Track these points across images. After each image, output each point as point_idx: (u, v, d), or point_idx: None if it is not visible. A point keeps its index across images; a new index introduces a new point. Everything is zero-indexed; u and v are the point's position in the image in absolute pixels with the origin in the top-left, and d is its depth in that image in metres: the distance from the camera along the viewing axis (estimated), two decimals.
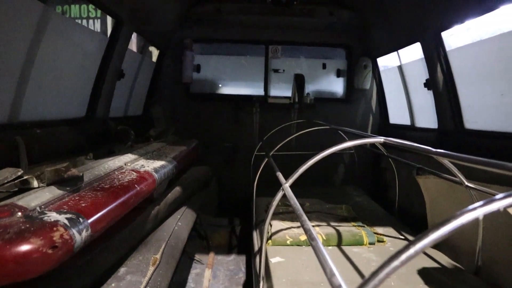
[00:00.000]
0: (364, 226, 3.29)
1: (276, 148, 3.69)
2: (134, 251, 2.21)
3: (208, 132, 5.47)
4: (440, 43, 3.76)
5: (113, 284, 1.86)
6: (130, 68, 4.37)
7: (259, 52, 5.71)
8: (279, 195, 2.12)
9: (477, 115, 3.57)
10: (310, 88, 5.72)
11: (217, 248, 4.26)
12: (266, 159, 3.20)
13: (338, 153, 5.34)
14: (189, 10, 5.10)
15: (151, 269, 2.02)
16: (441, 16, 3.58)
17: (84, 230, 1.51)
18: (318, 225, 3.27)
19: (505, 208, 0.76)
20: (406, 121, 4.98)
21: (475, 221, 2.37)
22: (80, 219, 1.51)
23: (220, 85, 5.86)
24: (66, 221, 1.45)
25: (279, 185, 2.09)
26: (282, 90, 5.75)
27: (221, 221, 4.92)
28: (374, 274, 0.72)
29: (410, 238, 3.16)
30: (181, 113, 5.55)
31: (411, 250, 0.73)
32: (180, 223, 2.81)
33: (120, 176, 2.14)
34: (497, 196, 0.76)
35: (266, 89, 5.72)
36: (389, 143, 2.09)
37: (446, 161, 2.29)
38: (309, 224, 1.38)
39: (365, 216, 3.69)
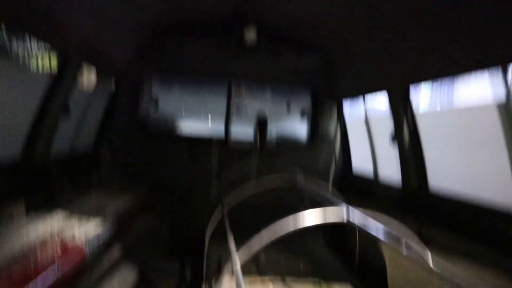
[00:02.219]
0: (320, 285, 3.12)
1: (232, 205, 3.49)
2: None
3: (163, 174, 5.14)
4: (407, 96, 3.65)
5: None
6: (78, 103, 4.03)
7: (221, 90, 5.47)
8: (226, 268, 1.95)
9: (442, 178, 3.46)
10: (273, 129, 5.51)
11: None
12: (212, 221, 2.98)
13: (298, 198, 5.12)
14: (147, 43, 4.86)
15: None
16: (410, 69, 3.46)
17: None
18: (272, 281, 3.08)
19: None
20: (370, 170, 4.83)
21: None
22: None
23: (179, 123, 5.55)
24: None
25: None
26: (244, 128, 5.50)
27: (171, 265, 4.60)
28: None
29: None
30: (134, 152, 5.20)
31: None
32: None
33: (40, 255, 1.82)
34: None
35: (227, 130, 5.44)
36: (355, 226, 1.93)
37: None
38: None
39: (323, 270, 3.55)
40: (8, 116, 2.99)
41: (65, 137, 3.92)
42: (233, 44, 4.63)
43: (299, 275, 3.28)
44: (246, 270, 3.25)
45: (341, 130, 5.49)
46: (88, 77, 4.56)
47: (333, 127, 5.46)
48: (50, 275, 1.74)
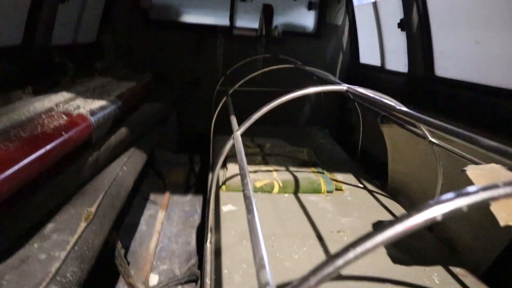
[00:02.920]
0: (323, 173, 3.17)
1: (237, 85, 3.45)
2: (66, 204, 1.99)
3: (168, 64, 5.10)
4: None
5: (35, 245, 1.66)
6: None
7: None
8: (229, 144, 1.94)
9: (449, 62, 3.39)
10: (279, 20, 5.35)
11: (173, 188, 4.11)
12: (223, 101, 2.98)
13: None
14: None
15: (83, 225, 1.82)
16: None
17: None
18: (276, 170, 3.13)
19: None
20: (377, 62, 4.76)
21: (435, 173, 2.20)
22: None
23: (182, 12, 5.38)
24: None
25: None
26: (249, 21, 5.35)
27: (180, 158, 4.74)
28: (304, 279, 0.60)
29: (369, 187, 3.09)
30: (137, 41, 5.12)
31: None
32: (126, 167, 2.58)
33: (45, 121, 1.86)
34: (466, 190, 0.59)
35: (231, 19, 5.30)
36: (354, 93, 1.91)
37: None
38: (251, 190, 1.20)
39: (326, 160, 3.59)
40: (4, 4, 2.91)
41: (67, 25, 3.85)
42: None
43: (304, 165, 3.32)
44: (251, 160, 3.34)
45: (349, 20, 5.31)
46: None
47: (341, 17, 5.27)
48: (56, 140, 1.78)
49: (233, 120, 2.24)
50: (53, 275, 1.48)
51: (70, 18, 3.92)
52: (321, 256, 2.06)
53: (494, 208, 0.90)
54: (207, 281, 1.97)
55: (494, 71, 2.89)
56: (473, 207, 0.58)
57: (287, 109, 5.10)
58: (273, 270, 0.65)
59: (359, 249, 0.59)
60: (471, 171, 1.15)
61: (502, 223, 0.89)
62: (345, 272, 1.92)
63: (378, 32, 4.66)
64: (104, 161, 2.42)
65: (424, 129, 2.27)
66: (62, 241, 1.69)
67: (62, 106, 2.19)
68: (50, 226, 1.80)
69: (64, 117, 1.98)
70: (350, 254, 0.59)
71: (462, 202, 0.57)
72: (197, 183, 4.33)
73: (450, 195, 0.58)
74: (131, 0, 4.93)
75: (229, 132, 1.95)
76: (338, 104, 5.50)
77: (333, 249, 2.14)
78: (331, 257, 0.60)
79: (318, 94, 5.24)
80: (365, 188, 3.09)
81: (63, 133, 1.82)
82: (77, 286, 1.56)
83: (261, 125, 2.57)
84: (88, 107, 2.25)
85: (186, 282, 2.65)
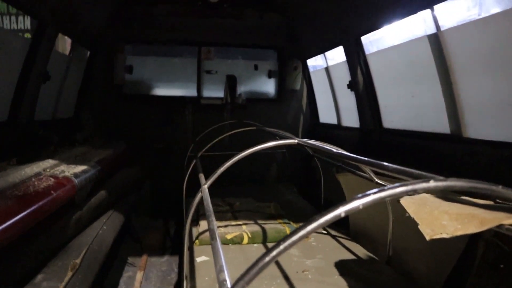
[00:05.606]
0: (289, 223, 3.42)
1: (205, 148, 3.73)
2: (54, 258, 2.19)
3: (141, 134, 5.42)
4: (360, 47, 3.99)
5: None
6: (57, 69, 4.25)
7: (191, 53, 5.74)
8: (198, 197, 2.17)
9: (393, 114, 3.84)
10: (242, 89, 5.81)
11: (150, 250, 4.26)
12: (193, 162, 3.24)
13: (270, 152, 5.49)
14: (118, 11, 5.04)
15: (69, 274, 2.03)
16: (360, 22, 3.81)
17: None
18: (245, 223, 3.36)
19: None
20: (334, 120, 5.22)
21: (386, 214, 2.52)
22: None
23: (153, 86, 5.82)
24: None
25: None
26: (215, 91, 5.80)
27: (155, 222, 4.91)
28: (255, 264, 0.80)
29: (333, 232, 3.33)
30: (113, 115, 5.46)
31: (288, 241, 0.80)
32: (106, 226, 2.81)
33: (36, 183, 2.12)
34: (386, 187, 0.86)
35: (199, 90, 5.75)
36: (303, 144, 2.22)
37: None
38: (215, 224, 1.47)
39: (293, 213, 3.82)
40: None
41: (47, 102, 4.16)
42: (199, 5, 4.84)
43: (271, 218, 3.54)
44: (221, 217, 3.55)
45: (307, 84, 5.83)
46: (64, 45, 4.75)
47: (299, 82, 5.78)
48: (46, 198, 2.04)
49: (201, 177, 2.48)
50: None
51: (51, 95, 4.25)
52: None
53: (421, 227, 1.16)
54: None
55: (427, 118, 3.34)
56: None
57: (254, 169, 5.43)
58: None
59: (288, 242, 0.79)
60: (404, 200, 1.43)
61: (427, 237, 1.09)
62: None
63: (332, 94, 5.16)
64: (87, 220, 2.64)
65: (369, 172, 2.60)
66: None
67: (49, 170, 2.45)
68: (40, 276, 2.00)
69: (52, 179, 2.24)
70: (281, 247, 0.78)
71: (357, 203, 0.85)
72: (173, 245, 4.49)
73: (350, 200, 0.84)
74: (106, 77, 5.31)
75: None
76: (301, 162, 5.85)
77: (298, 285, 2.35)
78: (268, 250, 0.79)
79: (283, 154, 5.59)
80: (328, 234, 3.33)
81: (52, 192, 2.08)
82: None
83: (232, 186, 2.82)
84: (72, 171, 2.52)
85: None
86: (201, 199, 2.07)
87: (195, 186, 3.78)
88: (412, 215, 1.30)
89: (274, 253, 0.79)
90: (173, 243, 4.55)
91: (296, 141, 2.31)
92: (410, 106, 3.58)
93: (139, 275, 3.68)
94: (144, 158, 4.86)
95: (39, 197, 1.96)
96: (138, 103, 5.57)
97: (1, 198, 1.81)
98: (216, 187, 2.16)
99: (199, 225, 3.28)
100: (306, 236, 0.81)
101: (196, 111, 5.64)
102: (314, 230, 0.81)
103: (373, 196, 0.84)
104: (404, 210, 2.43)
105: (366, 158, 1.57)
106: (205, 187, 2.13)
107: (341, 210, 0.82)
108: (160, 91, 5.83)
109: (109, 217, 2.98)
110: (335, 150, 1.90)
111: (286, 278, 2.47)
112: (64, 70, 4.55)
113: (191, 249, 2.95)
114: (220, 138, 3.92)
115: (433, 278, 2.46)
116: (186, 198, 3.99)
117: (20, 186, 2.04)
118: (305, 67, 5.77)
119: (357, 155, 1.72)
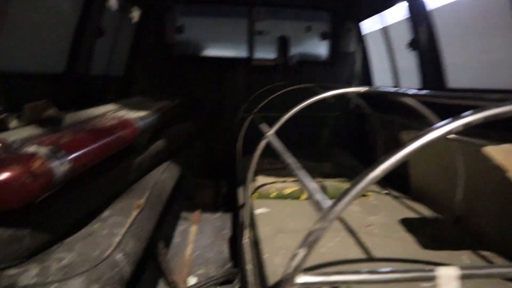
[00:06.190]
0: (348, 182, 3.33)
1: (260, 106, 3.67)
2: (118, 198, 2.21)
3: (191, 95, 5.40)
4: (422, 2, 3.74)
5: (96, 225, 1.86)
6: (110, 26, 4.26)
7: (242, 14, 5.61)
8: (263, 143, 2.13)
9: (459, 73, 3.60)
10: (294, 51, 5.67)
11: (202, 207, 4.27)
12: (251, 117, 3.18)
13: (323, 116, 5.36)
14: None
15: (135, 212, 2.03)
16: None
17: (65, 164, 1.50)
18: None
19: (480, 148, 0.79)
20: (389, 84, 4.99)
21: (455, 170, 2.35)
22: (60, 153, 1.50)
23: (203, 47, 5.76)
24: (46, 153, 1.43)
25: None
26: (266, 53, 5.68)
27: (207, 181, 4.93)
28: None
29: (394, 193, 3.21)
30: (163, 75, 5.46)
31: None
32: (164, 175, 2.81)
33: (102, 122, 2.12)
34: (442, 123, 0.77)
35: (250, 51, 5.64)
36: (372, 92, 2.11)
37: (426, 111, 2.32)
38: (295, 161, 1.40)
39: (349, 173, 3.73)
40: (54, 34, 3.26)
41: (101, 59, 4.19)
42: None
43: (328, 177, 3.45)
44: (277, 173, 3.50)
45: (361, 47, 5.59)
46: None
47: (352, 45, 5.56)
48: (112, 134, 2.02)
49: (264, 126, 2.41)
50: (116, 245, 1.68)
51: (104, 52, 4.28)
52: (352, 244, 2.18)
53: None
54: (250, 266, 2.11)
55: (501, 75, 3.10)
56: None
57: (306, 132, 5.31)
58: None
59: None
60: (490, 149, 1.33)
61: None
62: (378, 254, 2.06)
63: (389, 55, 4.92)
64: (147, 166, 2.65)
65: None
66: (120, 223, 1.89)
67: (111, 114, 2.45)
68: (107, 212, 2.01)
69: (115, 120, 2.23)
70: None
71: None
72: (224, 203, 4.49)
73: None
74: (157, 37, 5.30)
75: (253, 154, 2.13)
76: (356, 125, 5.67)
77: (364, 239, 2.26)
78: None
79: (337, 117, 5.44)
80: (389, 194, 3.21)
81: (116, 131, 2.07)
82: (135, 259, 1.74)
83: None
84: (133, 115, 2.50)
85: (223, 283, 2.77)
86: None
87: (247, 146, 3.75)
88: (499, 163, 1.24)
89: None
90: (224, 201, 4.55)
91: (366, 88, 2.19)
92: (480, 62, 3.34)
93: (193, 228, 3.69)
94: (195, 118, 4.85)
95: (105, 134, 1.96)
96: (188, 64, 5.53)
97: (72, 130, 1.80)
98: (268, 148, 2.11)
99: (256, 180, 3.24)
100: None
101: (247, 73, 5.55)
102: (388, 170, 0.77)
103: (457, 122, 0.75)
104: (477, 164, 2.26)
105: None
106: (270, 133, 2.07)
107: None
108: (211, 52, 5.77)
109: (166, 167, 2.98)
110: (410, 93, 1.77)
111: (351, 231, 2.39)
112: (116, 28, 4.56)
113: (250, 202, 2.92)
114: (274, 95, 3.83)
115: (506, 240, 2.30)
116: (239, 157, 3.96)
117: (87, 123, 2.03)
118: (360, 29, 5.53)
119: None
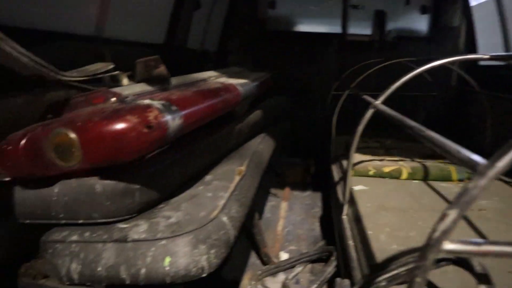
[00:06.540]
0: (452, 164, 3.06)
1: (356, 82, 3.50)
2: (219, 163, 2.19)
3: (283, 69, 5.29)
4: None
5: (200, 187, 1.84)
6: (206, 1, 4.28)
7: None
8: (369, 112, 2.00)
9: None
10: (391, 25, 5.34)
11: (292, 185, 4.21)
12: (346, 92, 3.03)
13: (419, 96, 5.02)
14: None
15: (237, 178, 1.97)
16: None
17: (177, 118, 1.46)
18: (401, 160, 3.09)
19: None
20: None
21: None
22: (173, 107, 1.47)
23: (295, 22, 5.62)
24: (160, 106, 1.41)
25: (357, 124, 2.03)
26: (361, 28, 5.41)
27: (295, 160, 4.85)
28: None
29: (506, 179, 2.90)
30: (255, 49, 5.41)
31: None
32: (261, 146, 2.75)
33: (206, 84, 2.09)
34: None
35: (344, 26, 5.40)
36: (497, 57, 1.88)
37: None
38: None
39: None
40: (155, 6, 3.33)
41: (197, 32, 4.23)
42: None
43: (429, 157, 3.23)
44: (374, 152, 3.32)
45: (466, 21, 5.12)
46: None
47: (456, 19, 5.11)
48: (219, 96, 1.98)
49: (368, 97, 2.27)
50: (221, 207, 1.62)
51: (200, 25, 4.32)
52: (464, 227, 1.98)
53: None
54: (350, 243, 2.00)
55: None
56: None
57: (402, 113, 5.00)
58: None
59: None
60: None
61: None
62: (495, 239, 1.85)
63: (501, 30, 4.44)
64: (246, 134, 2.60)
65: None
66: (223, 186, 1.84)
67: (214, 79, 2.42)
68: (209, 177, 1.98)
69: (219, 84, 2.19)
70: None
71: None
72: (313, 183, 4.38)
73: None
74: (250, 12, 5.25)
75: (346, 133, 2.03)
76: (454, 106, 5.25)
77: (478, 224, 2.04)
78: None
79: (433, 98, 5.07)
80: (500, 179, 2.91)
81: (222, 93, 2.02)
82: (239, 223, 1.69)
83: (375, 130, 2.61)
84: (234, 81, 2.45)
85: (316, 260, 2.68)
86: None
87: (341, 124, 3.60)
88: None
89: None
90: (313, 180, 4.44)
91: (487, 56, 1.95)
92: None
93: (283, 205, 3.64)
94: (287, 92, 4.75)
95: (212, 95, 1.91)
96: (280, 39, 5.43)
97: (181, 89, 1.78)
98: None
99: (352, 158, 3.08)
100: None
101: (339, 49, 5.32)
102: None
103: None
104: None
105: None
106: (378, 102, 1.94)
107: None
108: (303, 27, 5.61)
109: (262, 139, 2.92)
110: None
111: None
112: (211, 2, 4.57)
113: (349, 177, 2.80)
114: (369, 71, 3.63)
115: None
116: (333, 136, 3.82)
117: (194, 84, 2.01)
118: (465, 1, 5.06)
119: None
